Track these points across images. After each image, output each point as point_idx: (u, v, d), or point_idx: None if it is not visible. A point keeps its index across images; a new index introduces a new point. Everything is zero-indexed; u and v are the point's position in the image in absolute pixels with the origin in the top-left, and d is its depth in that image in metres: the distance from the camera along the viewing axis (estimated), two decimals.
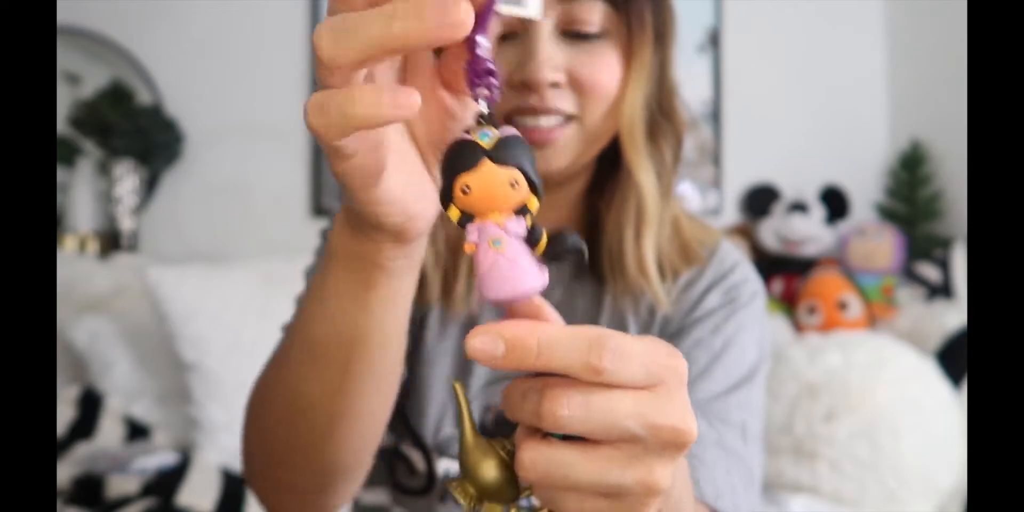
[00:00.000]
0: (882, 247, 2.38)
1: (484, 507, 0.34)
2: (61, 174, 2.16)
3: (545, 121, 0.61)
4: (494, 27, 0.32)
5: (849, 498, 1.51)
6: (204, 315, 1.62)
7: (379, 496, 0.72)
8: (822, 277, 2.24)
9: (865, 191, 2.60)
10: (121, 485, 1.42)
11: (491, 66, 0.32)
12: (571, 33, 0.61)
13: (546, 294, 0.69)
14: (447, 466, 0.68)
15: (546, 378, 0.32)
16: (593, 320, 0.69)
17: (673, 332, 0.67)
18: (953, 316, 1.90)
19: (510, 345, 0.31)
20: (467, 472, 0.33)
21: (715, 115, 2.56)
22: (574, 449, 0.31)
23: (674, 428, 0.31)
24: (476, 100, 0.33)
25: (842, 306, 2.14)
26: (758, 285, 0.71)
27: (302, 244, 0.53)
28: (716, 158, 2.56)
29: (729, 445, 0.61)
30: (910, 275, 2.33)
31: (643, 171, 0.65)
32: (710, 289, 0.69)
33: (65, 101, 2.13)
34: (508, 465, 0.33)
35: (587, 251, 0.33)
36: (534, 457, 0.31)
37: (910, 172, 2.53)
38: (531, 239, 0.32)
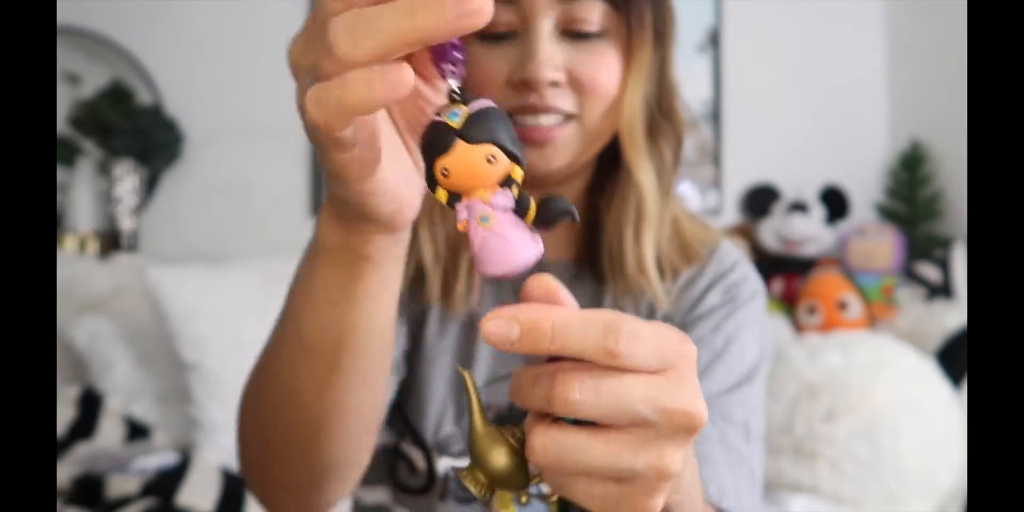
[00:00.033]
0: (882, 247, 2.39)
1: (495, 495, 0.34)
2: (61, 174, 2.16)
3: (545, 120, 0.61)
4: None
5: (849, 498, 1.51)
6: (204, 315, 1.62)
7: (379, 495, 0.72)
8: (822, 277, 2.24)
9: (865, 191, 2.60)
10: (121, 485, 1.42)
11: (454, 40, 0.31)
12: (571, 32, 0.61)
13: None
14: (447, 464, 0.68)
15: (557, 363, 0.32)
16: None
17: None
18: (953, 316, 1.90)
19: (525, 328, 0.31)
20: (477, 460, 0.33)
21: (715, 115, 2.56)
22: (585, 433, 0.31)
23: (685, 412, 0.31)
24: (444, 78, 0.32)
25: (842, 306, 2.14)
26: (758, 284, 0.71)
27: (302, 244, 0.54)
28: (716, 158, 2.56)
29: (732, 444, 0.62)
30: (910, 275, 2.33)
31: (643, 170, 0.65)
32: (710, 288, 0.69)
33: (65, 101, 2.13)
34: (518, 452, 0.33)
35: (577, 213, 0.33)
36: (545, 442, 0.31)
37: (910, 172, 2.53)
38: (520, 209, 0.32)
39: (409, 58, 0.36)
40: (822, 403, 1.55)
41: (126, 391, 1.69)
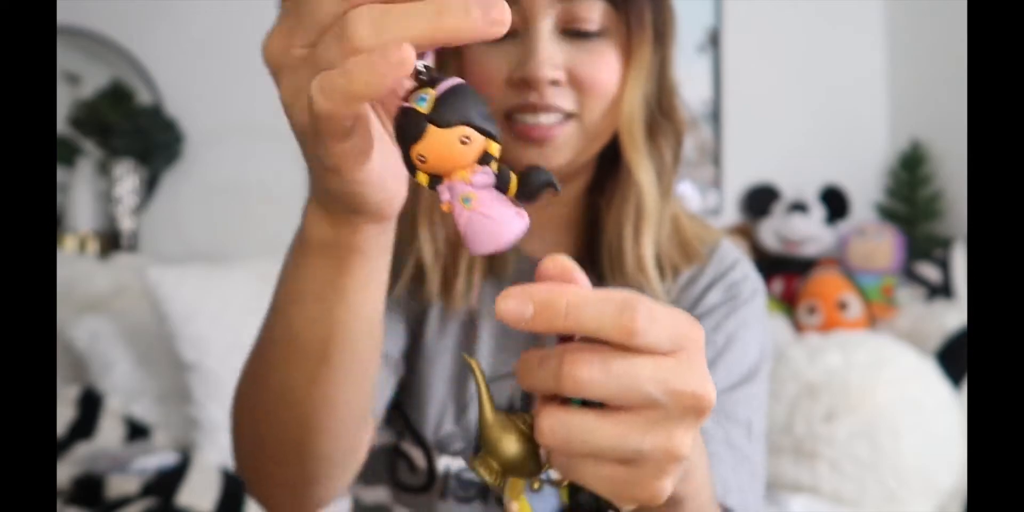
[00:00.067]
0: (882, 247, 2.39)
1: (508, 483, 0.34)
2: (61, 174, 2.16)
3: (545, 119, 0.61)
4: None
5: (849, 498, 1.51)
6: (204, 315, 1.62)
7: (379, 494, 0.72)
8: (822, 277, 2.24)
9: (865, 191, 2.60)
10: (121, 485, 1.42)
11: None
12: (571, 31, 0.61)
13: None
14: (447, 463, 0.68)
15: (565, 344, 0.32)
16: None
17: None
18: (953, 316, 1.90)
19: (539, 306, 0.31)
20: (489, 448, 0.33)
21: (715, 115, 2.56)
22: (593, 415, 0.31)
23: (695, 394, 0.31)
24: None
25: (842, 306, 2.14)
26: (758, 283, 0.71)
27: None
28: (716, 158, 2.56)
29: (735, 442, 0.62)
30: (910, 275, 2.33)
31: (642, 169, 0.65)
32: (711, 286, 0.69)
33: (65, 101, 2.13)
34: (529, 438, 0.33)
35: (558, 184, 0.33)
36: (553, 423, 0.31)
37: (910, 172, 2.53)
38: (501, 184, 0.32)
39: None
40: (822, 403, 1.55)
41: (126, 391, 1.69)
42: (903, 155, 2.56)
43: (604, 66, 0.62)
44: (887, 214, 2.58)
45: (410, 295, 0.69)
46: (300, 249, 0.45)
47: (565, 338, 0.33)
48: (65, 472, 1.45)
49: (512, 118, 0.62)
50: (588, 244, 0.70)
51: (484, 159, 0.32)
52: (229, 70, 2.21)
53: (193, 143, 2.19)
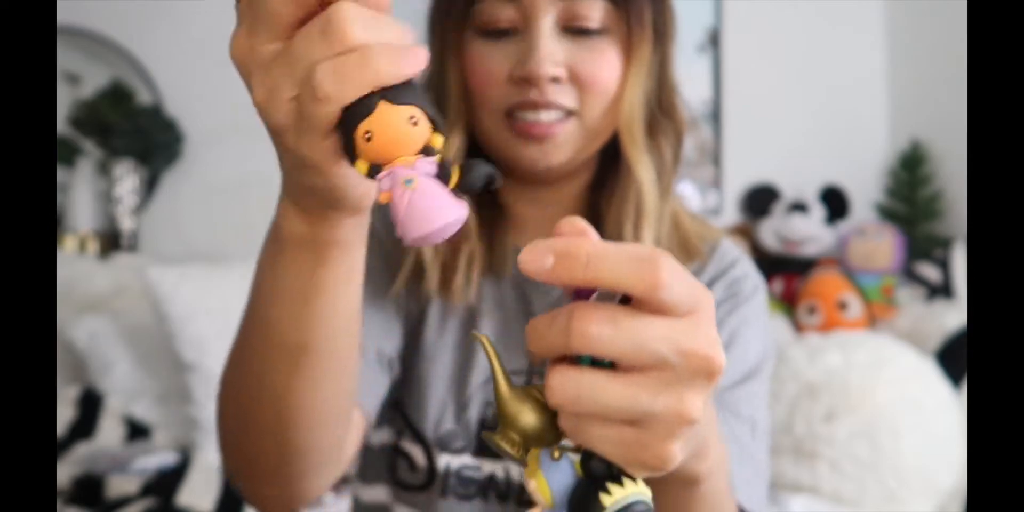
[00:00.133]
0: (882, 247, 2.39)
1: (529, 455, 0.33)
2: (61, 174, 2.16)
3: (545, 116, 0.62)
4: None
5: (849, 498, 1.51)
6: (204, 315, 1.62)
7: (379, 493, 0.72)
8: (822, 277, 2.24)
9: (865, 191, 2.60)
10: (121, 485, 1.42)
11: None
12: (571, 29, 0.61)
13: (545, 290, 0.69)
14: (448, 461, 0.68)
15: (574, 302, 0.32)
16: None
17: None
18: (953, 316, 1.90)
19: (559, 256, 0.30)
20: (508, 421, 0.33)
21: (715, 115, 2.56)
22: (604, 374, 0.31)
23: (705, 355, 0.31)
24: None
25: (842, 306, 2.14)
26: (759, 281, 0.72)
27: None
28: (716, 158, 2.56)
29: (740, 439, 0.62)
30: (910, 275, 2.33)
31: (642, 167, 0.66)
32: (712, 284, 0.69)
33: (65, 101, 2.13)
34: (546, 408, 0.33)
35: (500, 177, 0.33)
36: (563, 381, 0.31)
37: (910, 172, 2.53)
38: (443, 175, 0.32)
39: None
40: (822, 403, 1.55)
41: (126, 391, 1.69)
42: (903, 155, 2.56)
43: (604, 64, 0.62)
44: (887, 214, 2.58)
45: (408, 294, 0.69)
46: (275, 247, 0.46)
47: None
48: (65, 472, 1.45)
49: (513, 116, 0.62)
50: None
51: (427, 152, 0.32)
52: (229, 70, 2.18)
53: (193, 143, 2.19)
